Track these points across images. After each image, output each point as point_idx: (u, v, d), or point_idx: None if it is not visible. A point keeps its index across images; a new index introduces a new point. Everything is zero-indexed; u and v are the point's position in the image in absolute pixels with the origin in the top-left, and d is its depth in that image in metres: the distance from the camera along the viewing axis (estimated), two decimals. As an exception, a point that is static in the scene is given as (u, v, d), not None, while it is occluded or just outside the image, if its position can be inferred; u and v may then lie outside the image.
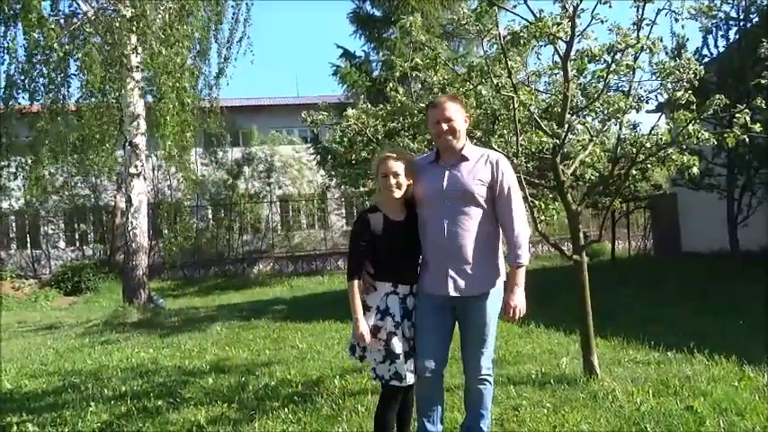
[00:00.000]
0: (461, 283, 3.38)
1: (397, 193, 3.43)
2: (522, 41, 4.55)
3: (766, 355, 5.09)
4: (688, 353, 5.51)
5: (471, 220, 3.40)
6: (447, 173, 3.46)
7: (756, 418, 3.85)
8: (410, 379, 3.40)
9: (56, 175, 13.16)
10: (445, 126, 3.44)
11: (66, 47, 11.57)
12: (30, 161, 12.67)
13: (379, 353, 3.37)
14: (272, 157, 23.10)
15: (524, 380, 5.10)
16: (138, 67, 12.58)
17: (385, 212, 3.47)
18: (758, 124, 4.39)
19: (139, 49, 12.39)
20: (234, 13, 15.22)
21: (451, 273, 3.38)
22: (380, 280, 3.44)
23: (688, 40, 11.60)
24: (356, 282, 3.38)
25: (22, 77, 11.56)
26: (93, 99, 12.47)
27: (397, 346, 3.35)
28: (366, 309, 3.42)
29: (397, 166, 3.41)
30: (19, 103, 11.97)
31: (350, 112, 5.23)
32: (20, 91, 11.59)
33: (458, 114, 3.47)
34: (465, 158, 3.49)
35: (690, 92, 4.48)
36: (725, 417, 3.91)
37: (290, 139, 23.94)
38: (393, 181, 3.40)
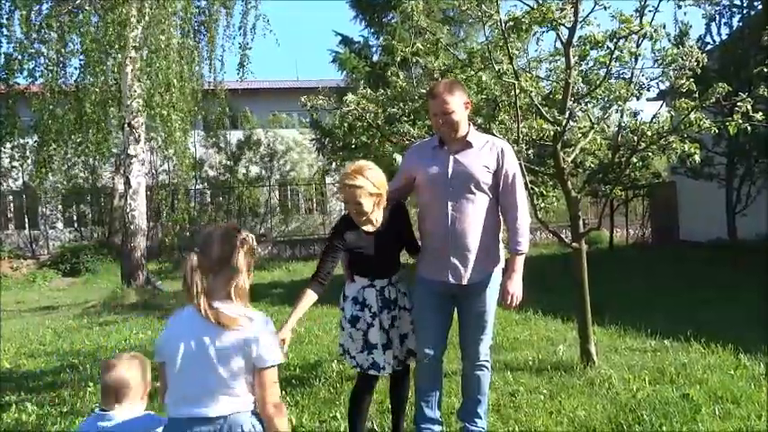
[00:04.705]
0: (462, 270, 3.38)
1: (360, 217, 3.33)
2: (523, 27, 4.53)
3: (762, 344, 5.12)
4: (684, 341, 5.53)
5: (475, 207, 3.38)
6: (452, 159, 3.43)
7: (752, 406, 3.87)
8: (388, 369, 3.41)
9: (55, 156, 13.08)
10: (441, 120, 3.39)
11: (62, 23, 11.46)
12: (35, 143, 12.59)
13: (359, 342, 3.40)
14: (273, 141, 22.96)
15: (521, 366, 5.12)
16: (135, 46, 12.45)
17: (358, 225, 3.40)
18: (760, 113, 4.37)
19: (138, 29, 12.27)
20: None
21: (453, 260, 3.38)
22: (357, 275, 3.46)
23: (691, 27, 11.55)
24: (309, 290, 3.30)
25: (20, 56, 11.46)
26: (90, 78, 12.35)
27: (374, 336, 3.37)
28: (343, 298, 3.49)
29: (358, 194, 3.22)
30: (18, 84, 11.88)
31: (349, 97, 5.19)
32: (19, 70, 11.50)
33: (457, 106, 3.37)
34: (470, 145, 3.45)
35: (692, 80, 4.46)
36: (720, 405, 3.93)
37: (299, 120, 23.72)
38: (354, 209, 3.31)
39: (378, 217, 3.38)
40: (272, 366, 2.15)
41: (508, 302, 3.38)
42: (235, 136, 22.72)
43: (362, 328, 3.39)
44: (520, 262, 3.41)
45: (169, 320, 2.30)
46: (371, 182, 3.25)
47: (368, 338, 3.38)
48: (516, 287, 3.37)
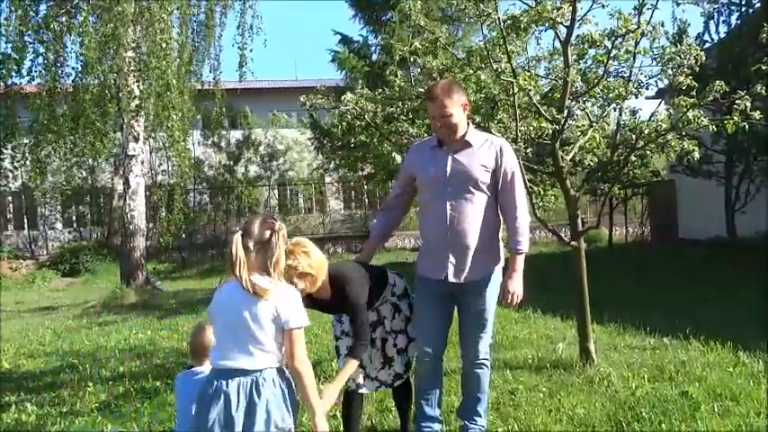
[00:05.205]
0: (461, 269, 3.38)
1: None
2: (522, 26, 4.53)
3: (761, 342, 5.12)
4: (684, 339, 5.53)
5: (474, 207, 3.38)
6: (450, 159, 3.43)
7: (750, 403, 3.87)
8: (351, 385, 3.42)
9: (52, 156, 13.06)
10: (440, 123, 3.40)
11: (61, 23, 11.43)
12: (31, 144, 12.55)
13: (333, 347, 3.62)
14: (273, 141, 22.91)
15: (521, 364, 5.12)
16: (133, 46, 12.41)
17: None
18: (758, 111, 4.37)
19: (137, 29, 12.24)
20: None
21: (452, 258, 3.38)
22: None
23: (689, 25, 11.57)
24: None
25: (17, 56, 11.43)
26: (88, 78, 12.30)
27: (342, 347, 3.54)
28: None
29: (290, 274, 3.06)
30: (15, 84, 11.85)
31: (348, 96, 5.19)
32: (15, 69, 11.46)
33: (455, 108, 3.36)
34: (469, 144, 3.45)
35: (690, 77, 4.46)
36: (719, 402, 3.93)
37: (298, 120, 23.62)
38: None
39: (320, 289, 3.25)
40: (299, 328, 2.56)
41: (509, 302, 3.38)
42: (234, 136, 22.70)
43: (332, 335, 3.64)
44: (520, 261, 3.41)
45: (216, 292, 2.72)
46: (303, 263, 3.11)
47: (338, 345, 3.59)
48: (517, 286, 3.38)
